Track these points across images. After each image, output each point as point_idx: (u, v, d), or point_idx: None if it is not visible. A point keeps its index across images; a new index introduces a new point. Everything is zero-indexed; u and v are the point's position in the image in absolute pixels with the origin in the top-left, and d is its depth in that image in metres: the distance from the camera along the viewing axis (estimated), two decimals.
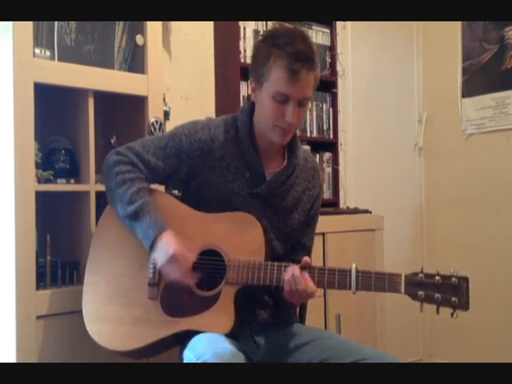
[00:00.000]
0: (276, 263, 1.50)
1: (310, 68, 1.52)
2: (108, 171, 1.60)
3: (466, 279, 1.39)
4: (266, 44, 1.56)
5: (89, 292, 1.59)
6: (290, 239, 1.67)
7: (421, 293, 1.40)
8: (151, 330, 1.50)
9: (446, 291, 1.39)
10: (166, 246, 1.49)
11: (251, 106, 1.65)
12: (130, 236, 1.57)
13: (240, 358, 1.34)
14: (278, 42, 1.52)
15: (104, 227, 1.65)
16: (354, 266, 1.46)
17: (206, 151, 1.60)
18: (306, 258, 1.50)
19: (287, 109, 1.53)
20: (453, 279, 1.39)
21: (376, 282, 1.43)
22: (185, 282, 1.51)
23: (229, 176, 1.60)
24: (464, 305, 1.38)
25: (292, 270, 1.47)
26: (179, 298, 1.53)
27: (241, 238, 1.54)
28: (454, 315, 1.39)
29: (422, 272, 1.42)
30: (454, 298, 1.38)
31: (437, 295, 1.39)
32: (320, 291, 2.47)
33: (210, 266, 1.54)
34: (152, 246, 1.51)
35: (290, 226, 1.65)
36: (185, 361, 1.42)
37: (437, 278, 1.40)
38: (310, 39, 1.57)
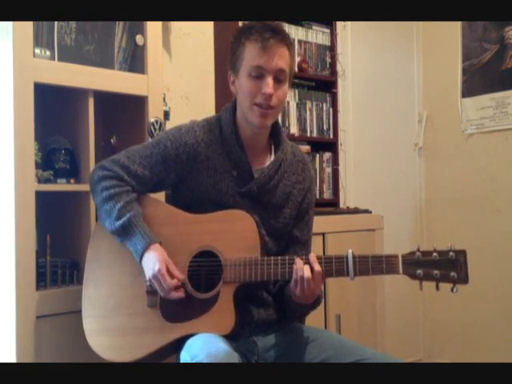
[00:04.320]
0: (272, 258, 1.50)
1: (282, 40, 1.55)
2: (94, 187, 1.61)
3: (463, 252, 1.38)
4: (238, 33, 1.62)
5: (89, 306, 1.59)
6: (283, 235, 1.66)
7: (419, 271, 1.39)
8: (153, 338, 1.51)
9: (445, 267, 1.38)
10: (152, 263, 1.49)
11: (234, 104, 1.65)
12: (123, 246, 1.57)
13: (235, 358, 1.33)
14: (248, 25, 1.59)
15: (98, 238, 1.65)
16: (350, 251, 1.45)
17: (192, 154, 1.60)
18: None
19: (263, 82, 1.54)
20: (450, 254, 1.38)
21: (373, 265, 1.43)
22: (170, 298, 1.50)
23: (216, 176, 1.60)
24: (463, 278, 1.37)
25: (299, 262, 1.47)
26: (179, 303, 1.52)
27: (235, 236, 1.53)
28: (454, 290, 1.38)
29: (418, 250, 1.41)
30: (452, 273, 1.37)
31: (435, 272, 1.38)
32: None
33: (207, 267, 1.54)
34: (141, 260, 1.51)
35: (282, 222, 1.64)
36: (181, 361, 1.42)
37: (434, 254, 1.39)
38: (281, 25, 1.62)
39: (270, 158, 1.66)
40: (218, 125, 1.64)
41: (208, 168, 1.60)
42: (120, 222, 1.53)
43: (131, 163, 1.59)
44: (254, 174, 1.61)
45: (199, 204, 1.60)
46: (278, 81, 1.55)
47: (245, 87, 1.56)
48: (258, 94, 1.54)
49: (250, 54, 1.55)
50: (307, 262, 1.47)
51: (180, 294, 1.50)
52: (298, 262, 1.46)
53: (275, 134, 1.68)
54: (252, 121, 1.58)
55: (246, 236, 1.53)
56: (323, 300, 2.50)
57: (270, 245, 1.62)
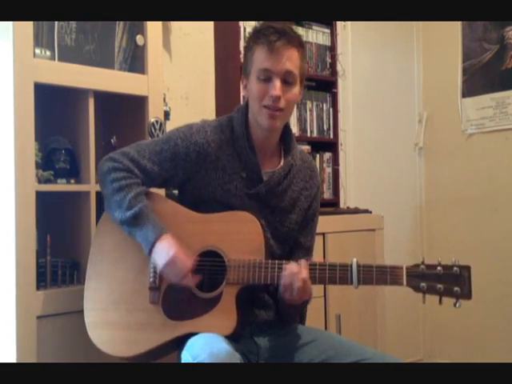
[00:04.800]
0: (276, 261, 1.50)
1: (289, 41, 1.55)
2: (103, 178, 1.60)
3: (467, 268, 1.38)
4: (248, 38, 1.63)
5: (90, 299, 1.59)
6: (287, 240, 1.66)
7: (423, 284, 1.40)
8: (154, 335, 1.50)
9: (448, 281, 1.38)
10: (166, 249, 1.49)
11: (246, 106, 1.65)
12: (128, 241, 1.57)
13: (236, 358, 1.33)
14: (257, 29, 1.59)
15: (102, 234, 1.65)
16: (354, 260, 1.45)
17: (202, 154, 1.59)
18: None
19: (271, 85, 1.54)
20: (454, 269, 1.39)
21: (377, 275, 1.43)
22: (184, 285, 1.51)
23: (225, 177, 1.60)
24: (466, 294, 1.38)
25: (291, 267, 1.47)
26: (181, 301, 1.52)
27: (240, 237, 1.54)
28: (457, 305, 1.38)
29: (423, 263, 1.42)
30: (456, 288, 1.38)
31: (439, 286, 1.39)
32: (320, 291, 2.48)
33: (211, 267, 1.54)
34: (151, 250, 1.51)
35: (288, 226, 1.65)
36: (182, 361, 1.42)
37: (438, 268, 1.40)
38: (292, 27, 1.61)
39: (280, 162, 1.66)
40: (229, 125, 1.64)
41: (217, 168, 1.60)
42: (131, 212, 1.52)
43: (141, 157, 1.59)
44: (263, 176, 1.62)
45: (206, 203, 1.60)
46: (286, 83, 1.55)
47: (254, 90, 1.57)
48: (266, 96, 1.54)
49: (258, 58, 1.55)
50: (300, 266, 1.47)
51: (193, 280, 1.50)
52: (288, 267, 1.47)
53: (285, 138, 1.68)
54: (261, 123, 1.58)
55: (251, 238, 1.53)
56: (323, 300, 2.52)
57: (275, 248, 1.62)
